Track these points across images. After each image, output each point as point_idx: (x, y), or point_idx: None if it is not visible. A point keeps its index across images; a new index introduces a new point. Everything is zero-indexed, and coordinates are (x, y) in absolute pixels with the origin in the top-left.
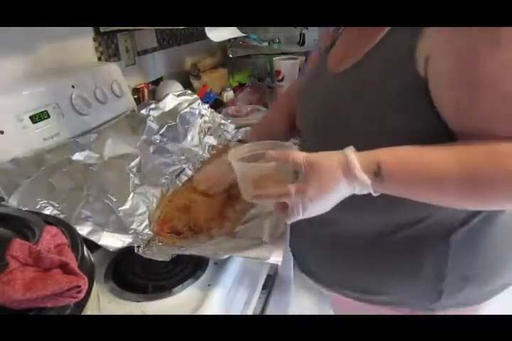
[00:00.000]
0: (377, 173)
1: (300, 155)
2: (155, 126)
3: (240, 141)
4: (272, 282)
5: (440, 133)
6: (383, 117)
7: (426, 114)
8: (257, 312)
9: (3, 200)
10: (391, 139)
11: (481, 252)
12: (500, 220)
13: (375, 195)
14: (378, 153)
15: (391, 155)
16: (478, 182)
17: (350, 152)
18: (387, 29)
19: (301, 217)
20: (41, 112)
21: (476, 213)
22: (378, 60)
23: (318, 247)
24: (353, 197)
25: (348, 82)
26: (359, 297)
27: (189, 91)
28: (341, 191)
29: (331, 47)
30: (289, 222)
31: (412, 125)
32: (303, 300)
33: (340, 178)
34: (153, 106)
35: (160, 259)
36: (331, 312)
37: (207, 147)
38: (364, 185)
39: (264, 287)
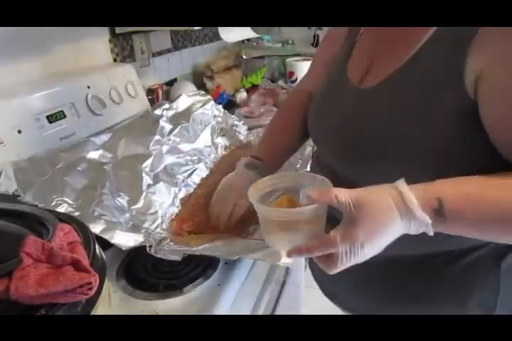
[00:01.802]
0: (438, 211)
1: (344, 194)
2: (168, 126)
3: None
4: (282, 283)
5: (484, 159)
6: (422, 141)
7: (471, 138)
8: (268, 313)
9: (19, 197)
10: (429, 164)
11: None
12: None
13: (431, 234)
14: (436, 187)
15: (453, 190)
16: None
17: (404, 186)
18: (421, 41)
19: (349, 264)
20: (57, 112)
21: None
22: (416, 78)
23: (352, 276)
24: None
25: (382, 101)
26: None
27: (202, 92)
28: (396, 232)
29: (348, 57)
30: (335, 272)
31: (455, 150)
32: (313, 301)
33: (396, 219)
34: (166, 106)
35: (171, 259)
36: (341, 313)
37: (219, 148)
38: (423, 225)
39: (274, 288)
